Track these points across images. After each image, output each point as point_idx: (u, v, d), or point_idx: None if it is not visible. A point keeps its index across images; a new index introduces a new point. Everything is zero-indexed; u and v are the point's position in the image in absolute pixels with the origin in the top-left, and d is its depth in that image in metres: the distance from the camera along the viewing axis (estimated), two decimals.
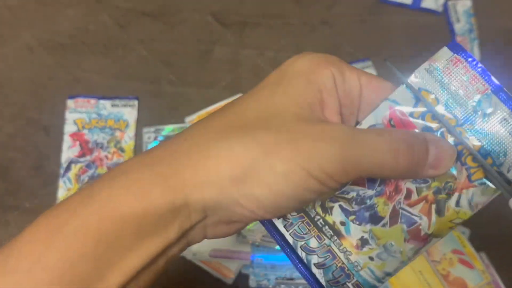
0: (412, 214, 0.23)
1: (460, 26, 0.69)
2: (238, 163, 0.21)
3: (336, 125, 0.23)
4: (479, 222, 0.63)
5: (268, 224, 0.25)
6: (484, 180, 0.23)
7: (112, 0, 0.71)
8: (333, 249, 0.24)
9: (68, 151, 0.65)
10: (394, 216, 0.23)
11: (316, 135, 0.22)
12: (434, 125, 0.23)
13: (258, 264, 0.59)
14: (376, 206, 0.23)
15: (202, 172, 0.22)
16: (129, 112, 0.66)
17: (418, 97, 0.23)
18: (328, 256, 0.24)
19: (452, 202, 0.23)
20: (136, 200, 0.21)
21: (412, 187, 0.23)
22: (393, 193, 0.23)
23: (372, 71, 0.67)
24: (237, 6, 0.71)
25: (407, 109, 0.23)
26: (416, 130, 0.23)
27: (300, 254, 0.24)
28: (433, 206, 0.23)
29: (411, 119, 0.23)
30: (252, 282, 0.59)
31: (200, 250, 0.60)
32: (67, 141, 0.65)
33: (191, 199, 0.22)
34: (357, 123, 0.25)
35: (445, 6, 0.70)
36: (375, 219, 0.23)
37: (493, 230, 0.62)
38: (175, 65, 0.69)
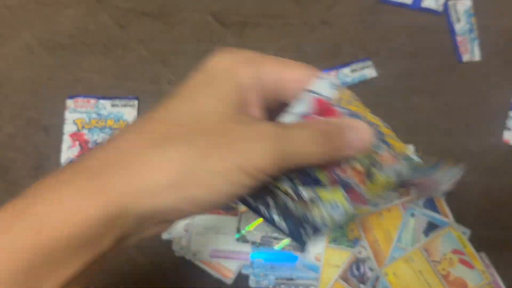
0: (348, 179, 0.27)
1: (460, 26, 0.69)
2: (174, 169, 0.22)
3: (265, 124, 0.24)
4: (480, 223, 0.63)
5: None
6: (408, 154, 0.27)
7: (112, 0, 0.71)
8: (289, 206, 0.27)
9: (68, 151, 0.65)
10: (333, 181, 0.27)
11: (248, 134, 0.23)
12: (354, 110, 0.27)
13: (258, 264, 0.59)
14: (317, 175, 0.27)
15: (137, 182, 0.22)
16: (129, 112, 0.66)
17: (336, 86, 0.27)
18: (285, 211, 0.27)
19: (379, 171, 0.27)
20: (71, 214, 0.21)
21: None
22: (329, 166, 0.27)
23: (372, 71, 0.67)
24: (237, 6, 0.71)
25: (329, 97, 0.27)
26: (343, 116, 0.27)
27: (261, 209, 0.27)
28: (364, 175, 0.27)
29: (335, 107, 0.27)
30: (252, 282, 0.59)
31: (200, 250, 0.60)
32: (66, 141, 0.65)
33: (127, 210, 0.22)
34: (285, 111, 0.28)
35: (445, 6, 0.70)
36: (318, 183, 0.27)
37: (493, 231, 0.62)
38: (175, 65, 0.69)
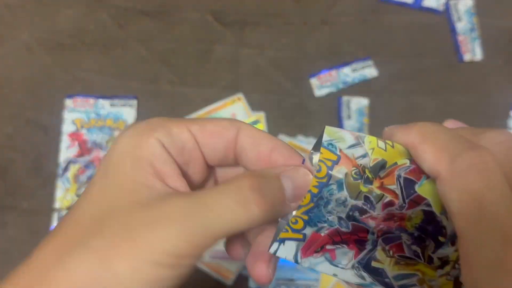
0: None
1: (461, 25, 0.69)
2: (76, 281, 0.19)
3: (172, 202, 0.21)
4: None
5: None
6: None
7: None
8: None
9: (67, 151, 0.64)
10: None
11: (151, 220, 0.20)
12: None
13: None
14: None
15: None
16: (128, 112, 0.66)
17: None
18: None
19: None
20: None
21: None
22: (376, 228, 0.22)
23: (372, 70, 0.67)
24: (237, 6, 0.71)
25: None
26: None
27: None
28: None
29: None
30: (251, 283, 0.59)
31: None
32: (65, 141, 0.65)
33: None
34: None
35: (447, 5, 0.70)
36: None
37: None
38: (175, 64, 0.69)
